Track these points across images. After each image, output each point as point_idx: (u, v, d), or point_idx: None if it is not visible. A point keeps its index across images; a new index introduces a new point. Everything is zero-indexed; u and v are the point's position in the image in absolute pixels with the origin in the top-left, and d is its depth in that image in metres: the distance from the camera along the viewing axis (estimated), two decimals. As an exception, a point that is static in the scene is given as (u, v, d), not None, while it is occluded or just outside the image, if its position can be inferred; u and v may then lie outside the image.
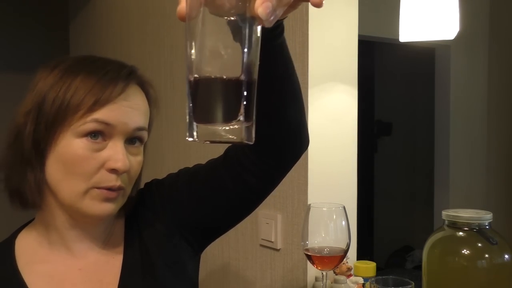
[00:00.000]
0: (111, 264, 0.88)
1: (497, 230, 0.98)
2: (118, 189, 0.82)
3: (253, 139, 0.51)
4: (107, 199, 0.81)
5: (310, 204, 1.07)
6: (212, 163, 0.93)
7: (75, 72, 0.81)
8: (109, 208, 0.82)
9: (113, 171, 0.80)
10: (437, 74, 3.18)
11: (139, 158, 0.86)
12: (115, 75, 0.82)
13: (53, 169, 0.81)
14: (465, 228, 0.97)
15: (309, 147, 1.44)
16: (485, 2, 3.14)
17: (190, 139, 0.50)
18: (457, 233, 0.98)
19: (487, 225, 0.97)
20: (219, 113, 0.50)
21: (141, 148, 0.87)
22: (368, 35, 2.58)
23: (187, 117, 0.50)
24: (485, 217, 0.97)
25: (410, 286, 0.91)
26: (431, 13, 1.47)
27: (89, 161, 0.79)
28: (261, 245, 1.58)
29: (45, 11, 3.63)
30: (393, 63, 4.23)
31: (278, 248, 1.51)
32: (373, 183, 4.44)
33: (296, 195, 1.45)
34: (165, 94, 2.10)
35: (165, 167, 2.09)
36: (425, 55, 3.27)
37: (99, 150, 0.80)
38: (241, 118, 0.50)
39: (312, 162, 1.42)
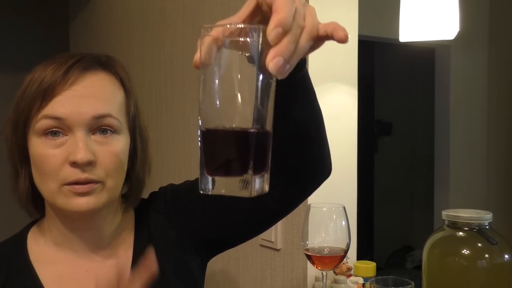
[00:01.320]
0: (119, 267, 0.87)
1: (497, 230, 0.98)
2: (88, 182, 0.78)
3: (267, 189, 0.49)
4: (80, 194, 0.78)
5: (310, 204, 1.07)
6: None
7: (39, 70, 0.80)
8: (85, 202, 0.78)
9: (74, 164, 0.77)
10: (437, 74, 3.18)
11: (113, 147, 0.81)
12: (61, 66, 0.79)
13: (34, 173, 0.81)
14: (465, 228, 0.97)
15: (309, 147, 1.44)
16: (485, 2, 3.14)
17: (202, 192, 0.48)
18: (457, 233, 0.98)
19: (487, 225, 0.97)
20: (229, 166, 0.48)
21: (118, 137, 0.82)
22: (368, 35, 2.58)
23: (199, 168, 0.48)
24: (485, 217, 0.97)
25: (410, 286, 0.91)
26: (431, 13, 1.46)
27: (51, 158, 0.77)
28: (261, 245, 1.57)
29: (46, 11, 3.63)
30: (393, 63, 4.23)
31: (278, 248, 1.51)
32: (373, 183, 4.44)
33: (296, 195, 1.45)
34: (165, 94, 2.10)
35: (165, 167, 2.09)
36: (425, 55, 3.27)
37: (60, 145, 0.78)
38: (251, 172, 0.47)
39: (312, 162, 1.42)
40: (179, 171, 2.00)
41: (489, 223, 0.97)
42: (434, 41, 1.81)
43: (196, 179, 0.92)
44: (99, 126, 0.80)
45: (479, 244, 0.95)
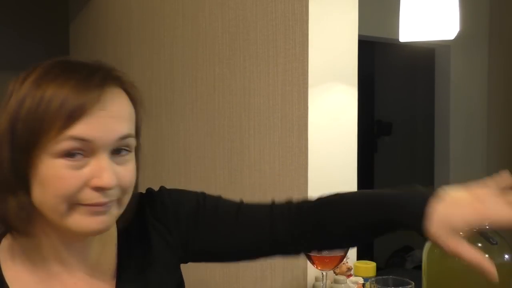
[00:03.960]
0: (106, 279, 0.84)
1: (497, 230, 0.98)
2: (106, 203, 0.75)
3: None
4: (97, 213, 0.74)
5: (310, 204, 1.06)
6: (255, 216, 0.90)
7: (45, 84, 0.72)
8: (100, 221, 0.75)
9: (99, 189, 0.73)
10: (437, 74, 3.18)
11: (130, 166, 0.78)
12: (87, 82, 0.73)
13: (36, 192, 0.74)
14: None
15: (309, 147, 1.44)
16: (485, 2, 3.14)
17: None
18: (457, 233, 0.98)
19: (487, 225, 0.97)
20: None
21: (131, 155, 0.79)
22: (368, 35, 2.58)
23: None
24: (485, 217, 0.96)
25: (410, 286, 0.91)
26: (431, 13, 1.46)
27: (69, 180, 0.72)
28: (261, 245, 1.57)
29: (46, 11, 3.63)
30: (393, 63, 4.23)
31: (278, 248, 1.51)
32: (373, 183, 4.44)
33: (296, 195, 1.45)
34: (165, 94, 2.10)
35: (165, 167, 2.09)
36: (425, 55, 3.27)
37: (81, 167, 0.72)
38: None
39: (312, 162, 1.42)
40: (179, 171, 2.00)
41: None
42: (434, 41, 1.81)
43: (205, 199, 0.91)
44: (119, 147, 0.76)
45: (479, 244, 0.95)
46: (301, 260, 1.43)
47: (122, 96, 0.78)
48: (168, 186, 0.95)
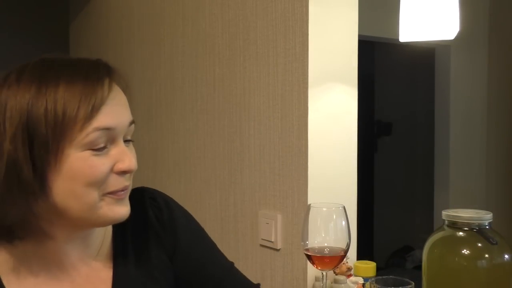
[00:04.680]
0: (102, 277, 0.86)
1: (497, 230, 0.98)
2: (126, 188, 0.80)
3: None
4: (121, 201, 0.80)
5: (310, 204, 1.07)
6: None
7: (53, 81, 0.75)
8: (125, 209, 0.81)
9: (122, 173, 0.78)
10: (437, 74, 3.18)
11: (134, 153, 0.83)
12: (96, 75, 0.77)
13: (59, 189, 0.75)
14: (465, 228, 0.97)
15: (309, 147, 1.44)
16: (485, 2, 3.14)
17: None
18: (457, 233, 0.98)
19: (487, 225, 0.97)
20: None
21: (132, 143, 0.85)
22: (368, 35, 2.58)
23: None
24: (485, 217, 0.97)
25: (410, 286, 0.91)
26: (431, 13, 1.46)
27: (100, 167, 0.76)
28: (261, 245, 1.58)
29: (45, 11, 3.63)
30: (393, 63, 4.23)
31: (278, 248, 1.51)
32: (373, 183, 4.44)
33: (296, 195, 1.45)
34: (165, 94, 2.10)
35: (165, 167, 2.09)
36: (425, 55, 3.27)
37: (104, 155, 0.77)
38: None
39: (312, 162, 1.42)
40: (179, 171, 2.00)
41: (489, 223, 0.97)
42: (434, 41, 1.80)
43: (217, 259, 0.96)
44: (128, 132, 0.81)
45: (479, 244, 0.96)
46: (301, 260, 1.43)
47: (117, 85, 0.82)
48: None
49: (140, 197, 0.92)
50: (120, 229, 0.89)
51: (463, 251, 0.96)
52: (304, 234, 1.05)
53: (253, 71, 1.60)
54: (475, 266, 0.95)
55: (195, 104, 1.91)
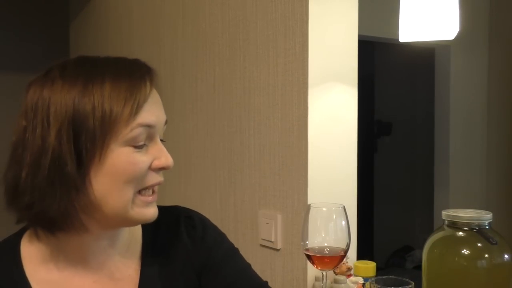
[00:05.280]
0: (126, 279, 0.87)
1: (497, 230, 0.98)
2: (160, 183, 0.83)
3: None
4: (150, 204, 0.82)
5: (310, 204, 1.07)
6: None
7: (99, 78, 0.77)
8: (153, 211, 0.83)
9: (159, 169, 0.82)
10: (437, 74, 3.18)
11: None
12: (138, 73, 0.80)
13: (99, 184, 0.76)
14: (465, 228, 0.97)
15: (309, 147, 1.44)
16: (485, 2, 3.14)
17: None
18: (457, 233, 0.98)
19: (487, 225, 0.97)
20: None
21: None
22: (368, 35, 2.58)
23: None
24: (485, 217, 0.97)
25: (410, 286, 0.91)
26: (431, 13, 1.46)
27: (141, 165, 0.78)
28: (261, 245, 1.58)
29: (45, 11, 3.63)
30: (393, 63, 4.23)
31: (278, 248, 1.51)
32: (373, 183, 4.44)
33: (296, 195, 1.45)
34: (165, 94, 2.10)
35: (165, 167, 2.09)
36: (425, 55, 3.27)
37: (144, 152, 0.80)
38: None
39: (312, 162, 1.42)
40: (179, 171, 2.00)
41: (489, 223, 0.97)
42: (434, 41, 1.80)
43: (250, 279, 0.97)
44: (162, 132, 0.86)
45: (479, 244, 0.96)
46: (301, 260, 1.43)
47: (154, 84, 0.85)
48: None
49: (177, 215, 0.95)
50: (150, 236, 0.92)
51: (463, 251, 0.96)
52: (304, 234, 1.05)
53: (253, 71, 1.60)
54: (475, 266, 0.95)
55: (195, 104, 1.91)
